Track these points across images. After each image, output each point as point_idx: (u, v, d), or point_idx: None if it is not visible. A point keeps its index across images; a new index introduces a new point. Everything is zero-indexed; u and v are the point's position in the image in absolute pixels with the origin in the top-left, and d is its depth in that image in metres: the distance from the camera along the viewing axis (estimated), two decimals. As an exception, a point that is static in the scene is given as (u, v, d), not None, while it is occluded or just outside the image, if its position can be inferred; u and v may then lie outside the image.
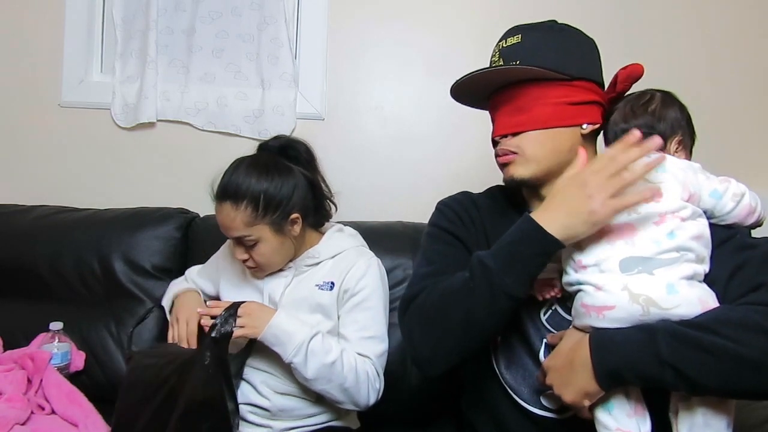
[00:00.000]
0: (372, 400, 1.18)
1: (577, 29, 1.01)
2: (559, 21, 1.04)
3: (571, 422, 0.91)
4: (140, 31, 1.83)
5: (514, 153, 0.97)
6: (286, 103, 1.80)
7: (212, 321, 1.14)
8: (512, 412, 0.97)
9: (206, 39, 1.85)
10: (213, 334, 1.12)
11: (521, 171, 0.97)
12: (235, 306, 1.15)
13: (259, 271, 1.23)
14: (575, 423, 0.89)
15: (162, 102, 1.84)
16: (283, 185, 1.16)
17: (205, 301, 1.33)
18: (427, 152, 1.83)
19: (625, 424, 0.81)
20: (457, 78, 0.98)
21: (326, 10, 1.82)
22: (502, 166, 1.00)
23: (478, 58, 1.78)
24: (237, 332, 1.13)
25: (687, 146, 0.95)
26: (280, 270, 1.25)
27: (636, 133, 0.83)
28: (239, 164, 1.18)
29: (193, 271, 1.42)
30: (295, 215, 1.18)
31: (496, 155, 1.01)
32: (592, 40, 1.02)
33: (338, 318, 1.22)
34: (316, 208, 1.26)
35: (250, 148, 1.27)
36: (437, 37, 1.82)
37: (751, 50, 1.78)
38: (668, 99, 0.96)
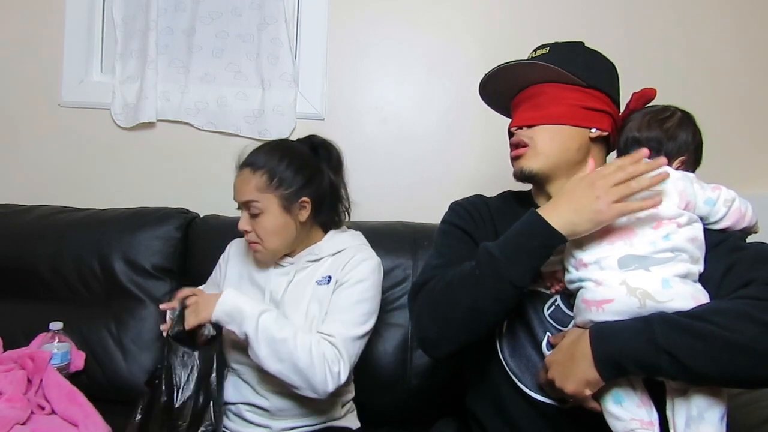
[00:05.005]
0: (330, 386, 1.11)
1: (601, 53, 1.09)
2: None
3: (572, 409, 0.94)
4: (140, 31, 1.83)
5: (526, 145, 1.03)
6: (286, 103, 1.80)
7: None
8: (515, 398, 1.00)
9: (206, 39, 1.85)
10: (169, 334, 1.14)
11: (530, 164, 1.03)
12: (182, 302, 1.17)
13: (259, 249, 1.22)
14: (577, 410, 0.92)
15: (162, 102, 1.84)
16: (302, 170, 1.21)
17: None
18: (427, 152, 1.83)
19: (637, 414, 0.85)
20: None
21: (326, 10, 1.82)
22: (513, 159, 1.07)
23: (478, 58, 1.80)
24: (189, 322, 1.14)
25: (688, 169, 0.99)
26: (281, 266, 1.25)
27: (644, 151, 0.90)
28: (268, 143, 1.26)
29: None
30: (305, 199, 1.20)
31: (510, 148, 1.08)
32: (613, 64, 1.09)
33: None
34: (330, 208, 1.27)
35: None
36: (437, 37, 1.82)
37: (750, 52, 1.78)
38: (685, 121, 1.00)
